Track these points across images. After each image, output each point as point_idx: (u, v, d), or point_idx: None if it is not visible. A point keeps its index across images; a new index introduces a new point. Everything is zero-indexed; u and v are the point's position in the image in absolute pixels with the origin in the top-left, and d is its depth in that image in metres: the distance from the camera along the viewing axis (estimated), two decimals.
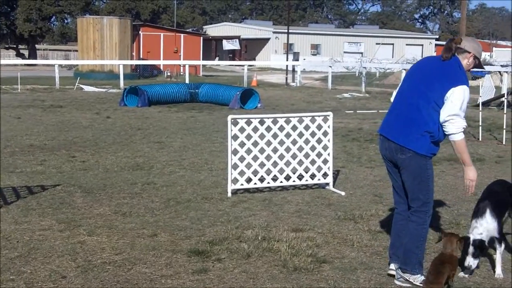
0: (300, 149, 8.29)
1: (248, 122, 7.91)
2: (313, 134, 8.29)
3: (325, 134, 8.31)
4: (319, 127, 8.28)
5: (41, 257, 5.42)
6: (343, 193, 7.99)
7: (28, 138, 12.20)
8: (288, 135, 8.16)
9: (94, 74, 33.16)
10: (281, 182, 8.14)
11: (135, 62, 36.23)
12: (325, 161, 8.33)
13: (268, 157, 8.11)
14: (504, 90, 21.47)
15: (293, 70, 34.59)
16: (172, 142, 12.08)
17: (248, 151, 7.97)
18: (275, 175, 8.13)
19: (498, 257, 5.21)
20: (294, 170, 8.23)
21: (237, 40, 58.44)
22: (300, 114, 8.66)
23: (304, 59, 44.27)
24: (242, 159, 7.94)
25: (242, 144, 7.90)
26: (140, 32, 40.41)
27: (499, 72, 28.80)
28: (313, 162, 8.30)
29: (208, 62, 45.22)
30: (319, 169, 8.31)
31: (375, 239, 6.10)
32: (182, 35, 42.93)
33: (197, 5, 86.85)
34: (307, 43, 62.23)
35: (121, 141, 12.06)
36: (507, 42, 77.58)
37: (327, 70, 32.58)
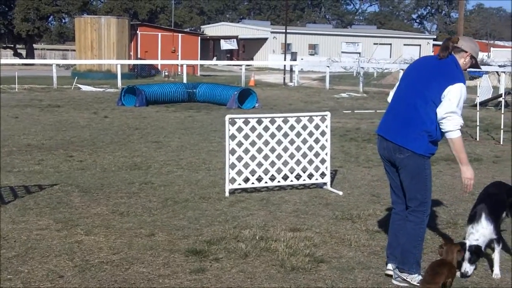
0: (298, 148, 8.29)
1: (246, 122, 7.91)
2: (310, 134, 8.29)
3: (322, 134, 8.31)
4: (317, 127, 8.28)
5: (38, 256, 5.41)
6: (340, 193, 7.99)
7: (25, 138, 12.19)
8: (285, 135, 8.16)
9: (91, 73, 33.15)
10: (279, 181, 8.14)
11: (132, 61, 36.21)
12: (322, 161, 8.33)
13: (266, 157, 8.11)
14: (502, 90, 21.49)
15: (291, 70, 34.60)
16: (170, 141, 12.08)
17: (246, 151, 7.97)
18: (272, 175, 8.13)
19: (496, 257, 5.20)
20: (291, 170, 8.24)
21: (235, 40, 58.43)
22: (298, 114, 8.66)
23: (302, 59, 44.24)
24: (239, 158, 7.94)
25: (239, 144, 7.90)
26: (137, 31, 40.41)
27: (497, 72, 28.82)
28: (310, 161, 8.30)
29: (206, 62, 45.19)
30: (316, 169, 8.31)
31: (372, 238, 6.10)
32: (180, 34, 42.93)
33: (195, 5, 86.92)
34: (305, 43, 62.25)
35: (119, 141, 12.05)
36: (504, 42, 77.68)
37: (325, 70, 32.57)
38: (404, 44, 66.56)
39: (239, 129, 7.84)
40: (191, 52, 41.26)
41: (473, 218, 5.21)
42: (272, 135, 8.08)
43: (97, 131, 13.35)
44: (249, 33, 62.92)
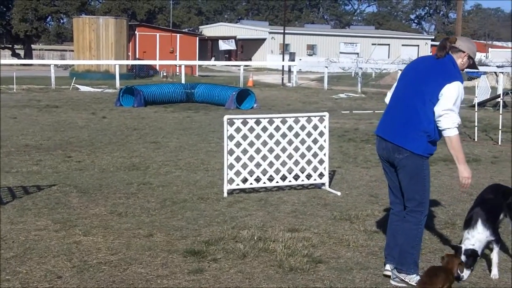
0: (296, 149, 8.29)
1: (244, 122, 7.91)
2: (309, 134, 8.30)
3: (321, 134, 8.31)
4: (315, 127, 8.28)
5: (36, 257, 5.41)
6: (339, 193, 8.00)
7: (23, 138, 12.19)
8: (284, 135, 8.17)
9: (90, 74, 33.14)
10: (277, 182, 8.15)
11: (131, 62, 36.21)
12: (321, 161, 8.33)
13: (264, 157, 8.12)
14: (500, 91, 21.51)
15: (289, 71, 34.60)
16: (168, 142, 12.07)
17: (244, 151, 7.98)
18: (271, 175, 8.14)
19: (494, 257, 5.19)
20: (290, 170, 8.24)
21: (233, 40, 58.42)
22: (296, 114, 8.66)
23: (300, 60, 44.27)
24: (238, 159, 7.95)
25: (238, 144, 7.91)
26: (136, 32, 40.40)
27: (495, 72, 28.84)
28: (309, 162, 8.31)
29: (204, 62, 45.19)
30: (315, 169, 8.31)
31: (370, 239, 6.11)
32: (178, 35, 42.94)
33: (193, 5, 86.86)
34: (303, 43, 62.24)
35: (117, 141, 12.05)
36: (503, 43, 77.72)
37: (323, 71, 32.59)
38: (402, 45, 66.57)
39: (238, 130, 7.85)
40: (189, 53, 41.27)
41: (468, 223, 5.19)
42: (271, 136, 8.08)
43: (95, 132, 13.34)
44: (247, 33, 62.90)
